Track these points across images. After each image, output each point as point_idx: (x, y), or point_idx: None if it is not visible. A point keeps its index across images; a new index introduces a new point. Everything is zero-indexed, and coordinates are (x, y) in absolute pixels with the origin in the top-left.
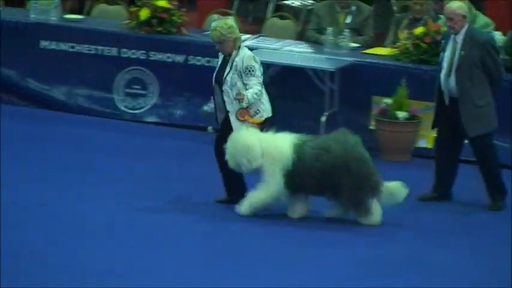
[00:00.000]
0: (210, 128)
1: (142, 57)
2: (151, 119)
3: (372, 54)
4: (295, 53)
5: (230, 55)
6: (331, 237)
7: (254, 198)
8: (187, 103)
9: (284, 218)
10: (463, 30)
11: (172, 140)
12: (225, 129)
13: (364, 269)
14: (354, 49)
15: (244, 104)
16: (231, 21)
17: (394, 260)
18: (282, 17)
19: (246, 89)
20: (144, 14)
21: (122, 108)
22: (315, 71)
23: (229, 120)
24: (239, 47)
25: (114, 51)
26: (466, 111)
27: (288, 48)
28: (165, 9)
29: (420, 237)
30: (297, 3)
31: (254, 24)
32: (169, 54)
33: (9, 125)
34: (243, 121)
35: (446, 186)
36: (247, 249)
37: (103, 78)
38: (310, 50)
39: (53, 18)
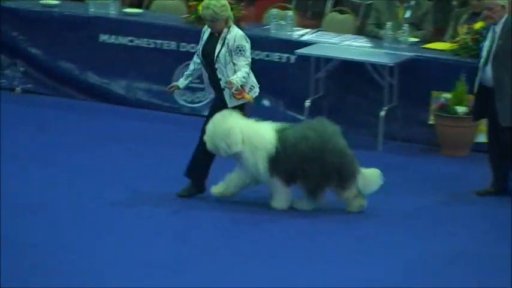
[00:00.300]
0: None
1: None
2: None
3: (431, 49)
4: (354, 47)
5: (220, 33)
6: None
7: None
8: None
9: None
10: (502, 20)
11: None
12: (216, 109)
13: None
14: (413, 44)
15: (234, 91)
16: (222, 1)
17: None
18: (341, 12)
19: (235, 69)
20: None
21: (181, 102)
22: (374, 65)
23: (220, 100)
24: (230, 26)
25: (173, 45)
26: (501, 100)
27: (347, 42)
28: None
29: (460, 232)
30: None
31: (313, 18)
32: None
33: (68, 119)
34: (240, 98)
35: (502, 181)
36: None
37: (162, 72)
38: (369, 45)
39: (112, 12)
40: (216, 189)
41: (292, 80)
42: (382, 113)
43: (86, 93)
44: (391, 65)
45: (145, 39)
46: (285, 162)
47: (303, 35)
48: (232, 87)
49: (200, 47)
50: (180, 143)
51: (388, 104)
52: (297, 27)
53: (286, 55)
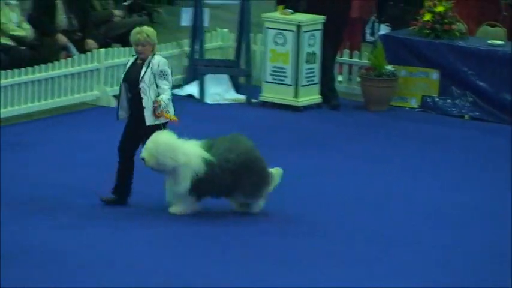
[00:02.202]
0: None
1: None
2: None
3: None
4: None
5: (144, 59)
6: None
7: (179, 198)
8: None
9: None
10: None
11: None
12: (131, 128)
13: None
14: None
15: (160, 110)
16: (152, 29)
17: None
18: None
19: (158, 92)
20: None
21: None
22: None
23: (135, 119)
24: (154, 53)
25: None
26: None
27: None
28: None
29: None
30: None
31: None
32: None
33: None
34: (160, 117)
35: None
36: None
37: None
38: None
39: None
40: (174, 209)
41: None
42: None
43: None
44: None
45: None
46: (212, 178)
47: None
48: (159, 106)
49: (124, 73)
50: None
51: None
52: None
53: None
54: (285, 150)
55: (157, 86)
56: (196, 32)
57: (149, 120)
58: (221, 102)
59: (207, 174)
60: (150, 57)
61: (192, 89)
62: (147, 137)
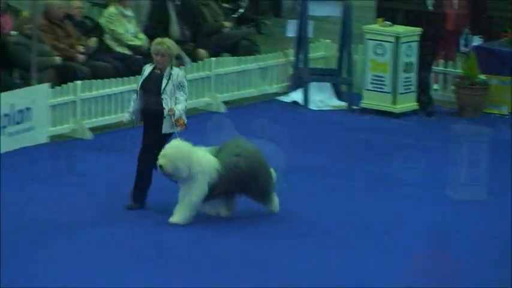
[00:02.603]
0: None
1: None
2: None
3: None
4: None
5: (162, 69)
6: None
7: (185, 207)
8: None
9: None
10: None
11: None
12: (150, 137)
13: None
14: None
15: (174, 118)
16: (173, 41)
17: None
18: None
19: (176, 102)
20: None
21: None
22: None
23: (154, 127)
24: (172, 65)
25: None
26: None
27: None
28: None
29: None
30: None
31: None
32: None
33: None
34: (179, 125)
35: None
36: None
37: None
38: None
39: None
40: (175, 218)
41: None
42: None
43: None
44: None
45: None
46: (224, 181)
47: None
48: (174, 114)
49: (141, 81)
50: None
51: None
52: None
53: None
54: (362, 152)
55: (175, 97)
56: (301, 43)
57: (165, 128)
58: (324, 108)
59: (219, 179)
60: (169, 68)
61: (297, 96)
62: (161, 145)
